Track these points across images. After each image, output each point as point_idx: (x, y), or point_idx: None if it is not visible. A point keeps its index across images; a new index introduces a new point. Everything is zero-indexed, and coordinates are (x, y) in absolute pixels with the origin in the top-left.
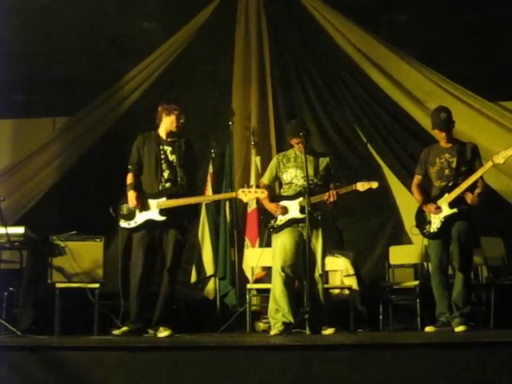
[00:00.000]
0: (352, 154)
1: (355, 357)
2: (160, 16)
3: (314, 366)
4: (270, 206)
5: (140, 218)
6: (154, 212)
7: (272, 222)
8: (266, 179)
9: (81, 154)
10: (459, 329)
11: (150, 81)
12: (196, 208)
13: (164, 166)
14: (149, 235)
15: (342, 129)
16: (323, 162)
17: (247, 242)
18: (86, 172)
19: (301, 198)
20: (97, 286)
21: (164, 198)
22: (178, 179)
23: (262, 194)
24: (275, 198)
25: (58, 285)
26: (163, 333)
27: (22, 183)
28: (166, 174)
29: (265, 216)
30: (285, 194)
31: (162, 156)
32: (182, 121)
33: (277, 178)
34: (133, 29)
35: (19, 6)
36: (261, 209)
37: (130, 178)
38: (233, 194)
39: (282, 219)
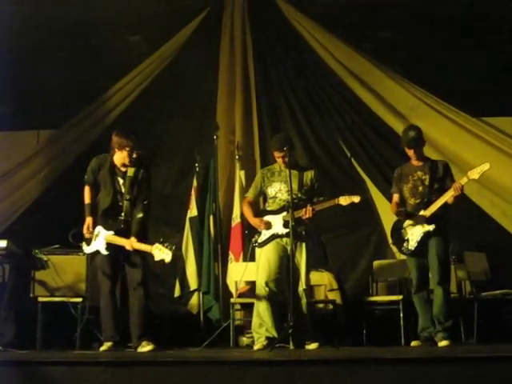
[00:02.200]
0: (336, 168)
1: (339, 372)
2: (145, 29)
3: (297, 380)
4: (254, 221)
5: (94, 245)
6: (101, 244)
7: (256, 236)
8: (250, 194)
9: (65, 167)
10: (442, 343)
11: (135, 94)
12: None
13: (118, 197)
14: (111, 256)
15: (326, 143)
16: (308, 175)
17: (231, 256)
18: (69, 185)
19: (285, 213)
20: (79, 300)
21: (112, 232)
22: (124, 215)
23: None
24: (259, 212)
25: (41, 299)
26: (146, 347)
27: (5, 196)
28: (120, 204)
29: (249, 230)
30: (269, 209)
31: (117, 187)
32: (134, 156)
33: (261, 193)
34: (118, 42)
35: (2, 17)
36: (245, 223)
37: (87, 196)
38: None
39: (265, 234)
